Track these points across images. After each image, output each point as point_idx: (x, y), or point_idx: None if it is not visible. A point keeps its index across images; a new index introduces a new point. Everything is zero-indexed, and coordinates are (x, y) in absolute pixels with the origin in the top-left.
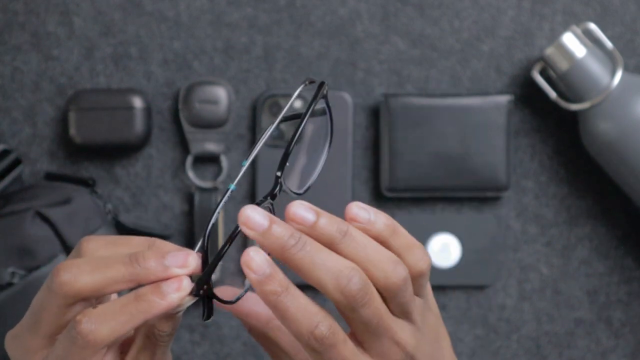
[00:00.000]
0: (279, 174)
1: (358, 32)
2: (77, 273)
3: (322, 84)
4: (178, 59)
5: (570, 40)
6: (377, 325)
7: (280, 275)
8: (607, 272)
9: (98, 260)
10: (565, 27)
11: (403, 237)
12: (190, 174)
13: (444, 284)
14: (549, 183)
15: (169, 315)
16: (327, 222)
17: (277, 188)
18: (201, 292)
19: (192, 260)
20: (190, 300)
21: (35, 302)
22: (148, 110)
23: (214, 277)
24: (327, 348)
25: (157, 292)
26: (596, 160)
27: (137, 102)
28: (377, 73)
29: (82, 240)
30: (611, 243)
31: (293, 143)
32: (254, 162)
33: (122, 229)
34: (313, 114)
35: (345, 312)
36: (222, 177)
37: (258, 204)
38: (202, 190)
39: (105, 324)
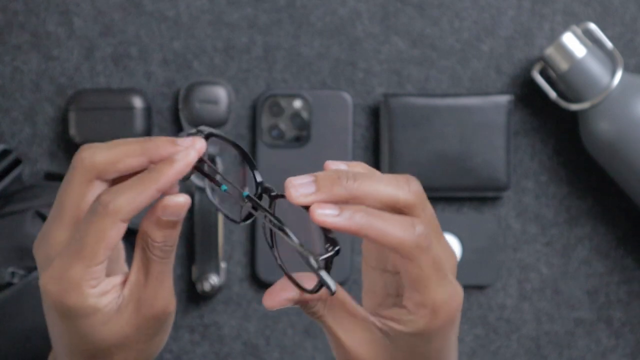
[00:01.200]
0: (259, 179)
1: (358, 32)
2: (95, 150)
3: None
4: (178, 59)
5: (570, 40)
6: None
7: (359, 207)
8: (607, 272)
9: (115, 141)
10: (565, 27)
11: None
12: None
13: None
14: (549, 183)
15: (162, 223)
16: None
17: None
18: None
19: (199, 142)
20: (181, 208)
21: (59, 191)
22: (148, 110)
23: (217, 280)
24: (428, 247)
25: (166, 162)
26: (596, 160)
27: (137, 102)
28: (377, 73)
29: (80, 149)
30: (611, 243)
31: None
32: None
33: None
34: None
35: (416, 250)
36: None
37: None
38: (202, 190)
39: (122, 194)
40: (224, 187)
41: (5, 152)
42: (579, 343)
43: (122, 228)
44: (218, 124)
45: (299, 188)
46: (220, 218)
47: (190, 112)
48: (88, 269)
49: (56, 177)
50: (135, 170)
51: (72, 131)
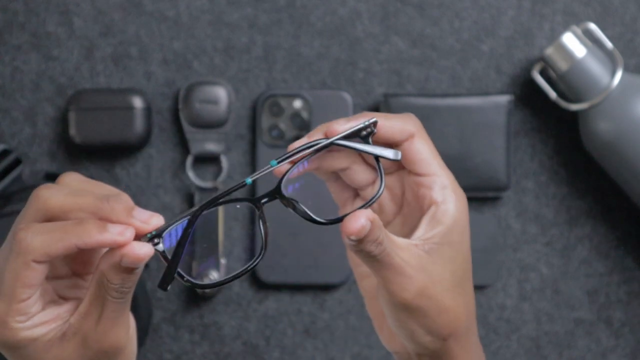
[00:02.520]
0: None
1: (358, 32)
2: (54, 192)
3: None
4: (178, 59)
5: (570, 40)
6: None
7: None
8: (607, 272)
9: (76, 189)
10: (565, 27)
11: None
12: (190, 174)
13: None
14: (549, 183)
15: (120, 268)
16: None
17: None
18: (155, 246)
19: (155, 220)
20: (140, 260)
21: (16, 220)
22: (148, 110)
23: (217, 276)
24: (425, 133)
25: (98, 225)
26: (596, 160)
27: (137, 102)
28: (377, 73)
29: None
30: (611, 243)
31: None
32: (253, 162)
33: None
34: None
35: (417, 129)
36: (222, 177)
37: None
38: (202, 190)
39: (39, 235)
40: (248, 180)
41: (5, 152)
42: (579, 343)
43: (38, 269)
44: (218, 124)
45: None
46: (221, 217)
47: (190, 112)
48: (10, 307)
49: (56, 177)
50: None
51: (72, 131)
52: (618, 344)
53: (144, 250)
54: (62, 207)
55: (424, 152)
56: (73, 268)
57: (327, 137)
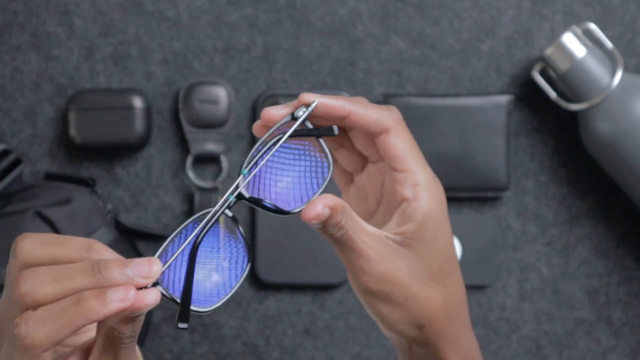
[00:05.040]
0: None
1: (358, 32)
2: (37, 284)
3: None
4: (178, 59)
5: (570, 40)
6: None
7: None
8: (607, 272)
9: (59, 269)
10: (565, 27)
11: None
12: (190, 174)
13: None
14: (549, 183)
15: (128, 319)
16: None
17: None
18: (168, 296)
19: (156, 269)
20: (149, 307)
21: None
22: (148, 110)
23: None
24: (404, 125)
25: (99, 298)
26: (596, 160)
27: (137, 102)
28: (377, 73)
29: (17, 238)
30: (611, 243)
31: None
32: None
33: (122, 229)
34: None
35: (394, 123)
36: (222, 177)
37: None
38: (202, 190)
39: (42, 327)
40: (243, 171)
41: (5, 152)
42: (579, 343)
43: (47, 356)
44: (218, 124)
45: (309, 95)
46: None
47: (190, 112)
48: None
49: (56, 177)
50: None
51: (72, 131)
52: (618, 344)
53: (152, 297)
54: (54, 298)
55: (398, 148)
56: None
57: (267, 124)
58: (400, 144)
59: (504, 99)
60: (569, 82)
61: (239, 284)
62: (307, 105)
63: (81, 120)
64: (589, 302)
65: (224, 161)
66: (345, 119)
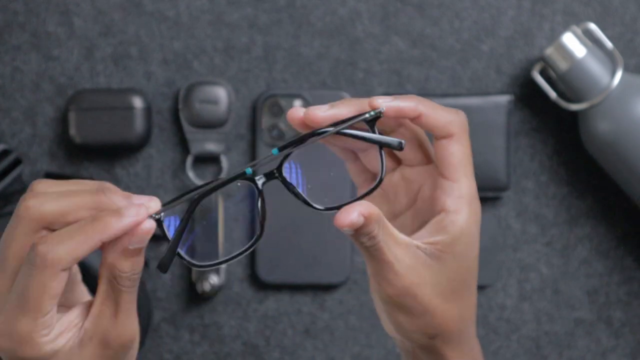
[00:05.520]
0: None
1: (358, 32)
2: (43, 199)
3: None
4: (178, 59)
5: (570, 40)
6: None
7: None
8: (607, 272)
9: (65, 189)
10: (565, 27)
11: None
12: (190, 174)
13: None
14: (549, 183)
15: (128, 252)
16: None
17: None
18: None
19: (154, 204)
20: (147, 234)
21: (3, 236)
22: (148, 110)
23: (217, 280)
24: (467, 133)
25: (114, 214)
26: (596, 160)
27: (137, 102)
28: (377, 73)
29: (33, 182)
30: (611, 243)
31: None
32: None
33: None
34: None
35: (460, 129)
36: (222, 176)
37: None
38: None
39: (62, 244)
40: (248, 170)
41: (5, 152)
42: (579, 343)
43: (64, 277)
44: (218, 124)
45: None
46: (221, 217)
47: (190, 112)
48: (36, 321)
49: (56, 177)
50: None
51: (72, 131)
52: (618, 344)
53: (148, 224)
54: (59, 211)
55: (456, 156)
56: None
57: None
58: (458, 153)
59: (504, 99)
60: (569, 82)
61: (240, 255)
62: (375, 109)
63: (81, 120)
64: (589, 302)
65: (224, 161)
66: (416, 119)
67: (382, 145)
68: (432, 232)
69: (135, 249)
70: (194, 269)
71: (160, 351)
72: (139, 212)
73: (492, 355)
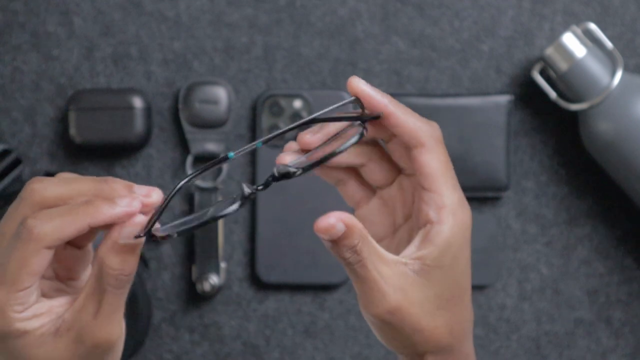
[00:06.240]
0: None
1: (358, 32)
2: (48, 183)
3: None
4: (178, 59)
5: (570, 40)
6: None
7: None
8: (607, 272)
9: (68, 177)
10: (565, 27)
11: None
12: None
13: None
14: (549, 183)
15: (118, 248)
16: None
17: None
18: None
19: (155, 194)
20: (134, 228)
21: (5, 215)
22: (148, 110)
23: (217, 280)
24: (442, 143)
25: (107, 201)
26: (596, 160)
27: (137, 102)
28: (377, 73)
29: (30, 180)
30: (611, 243)
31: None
32: (253, 162)
33: None
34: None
35: (432, 140)
36: (222, 177)
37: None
38: (202, 190)
39: (50, 221)
40: (230, 154)
41: (5, 152)
42: (579, 343)
43: (46, 255)
44: (218, 124)
45: (361, 83)
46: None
47: (190, 112)
48: (11, 295)
49: None
50: None
51: (72, 131)
52: (618, 344)
53: (139, 217)
54: (60, 196)
55: (430, 166)
56: (57, 271)
57: (304, 146)
58: (433, 162)
59: (504, 99)
60: (569, 82)
61: (203, 223)
62: (355, 96)
63: (81, 120)
64: (589, 302)
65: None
66: (386, 121)
67: (363, 120)
68: (419, 245)
69: (126, 245)
70: (173, 236)
71: (160, 351)
72: (132, 203)
73: (492, 355)
